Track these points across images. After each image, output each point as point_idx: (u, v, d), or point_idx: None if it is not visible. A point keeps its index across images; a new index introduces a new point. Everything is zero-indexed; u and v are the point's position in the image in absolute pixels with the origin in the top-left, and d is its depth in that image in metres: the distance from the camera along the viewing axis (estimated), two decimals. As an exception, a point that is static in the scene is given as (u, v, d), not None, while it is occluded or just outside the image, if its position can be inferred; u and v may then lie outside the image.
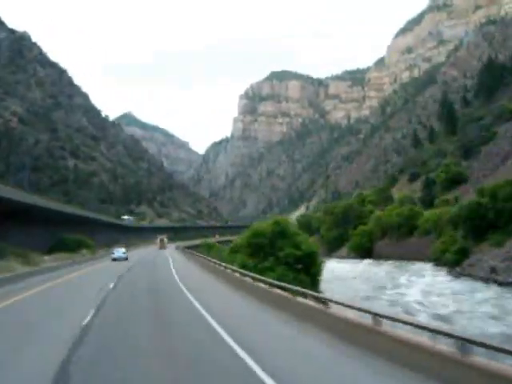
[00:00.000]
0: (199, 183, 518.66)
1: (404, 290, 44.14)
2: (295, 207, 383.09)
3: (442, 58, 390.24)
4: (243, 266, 27.71)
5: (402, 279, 52.24)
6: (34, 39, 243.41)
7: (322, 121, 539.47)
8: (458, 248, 58.78)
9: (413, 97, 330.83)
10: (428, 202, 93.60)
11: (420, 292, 42.16)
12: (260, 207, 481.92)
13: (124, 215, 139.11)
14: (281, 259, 28.10)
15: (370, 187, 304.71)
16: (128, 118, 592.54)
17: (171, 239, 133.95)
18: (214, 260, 40.17)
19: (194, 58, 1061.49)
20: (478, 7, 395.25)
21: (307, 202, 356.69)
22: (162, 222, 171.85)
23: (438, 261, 62.90)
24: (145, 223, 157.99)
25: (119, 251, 63.66)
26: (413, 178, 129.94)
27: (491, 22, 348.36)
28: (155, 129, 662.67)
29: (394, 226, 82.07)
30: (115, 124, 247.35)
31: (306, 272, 28.29)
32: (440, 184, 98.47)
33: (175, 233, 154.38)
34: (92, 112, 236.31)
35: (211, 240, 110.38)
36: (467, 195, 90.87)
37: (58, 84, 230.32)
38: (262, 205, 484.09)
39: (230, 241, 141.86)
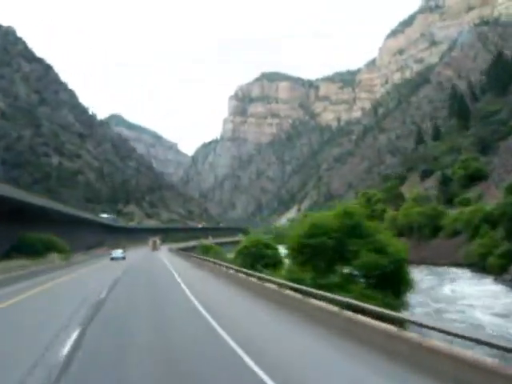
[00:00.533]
0: (188, 185, 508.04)
1: (462, 303, 35.27)
2: (285, 209, 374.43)
3: (435, 59, 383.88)
4: (294, 281, 17.87)
5: (446, 289, 43.22)
6: (19, 34, 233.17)
7: (313, 122, 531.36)
8: (504, 251, 49.79)
9: (406, 97, 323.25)
10: (446, 200, 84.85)
11: (485, 307, 33.28)
12: (249, 209, 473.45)
13: (104, 213, 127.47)
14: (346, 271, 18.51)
15: (365, 188, 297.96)
16: (116, 119, 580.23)
17: (162, 241, 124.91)
18: (231, 266, 30.50)
19: (184, 59, 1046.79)
20: (470, 8, 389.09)
21: (298, 203, 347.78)
22: (152, 223, 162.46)
23: (475, 266, 54.05)
24: (133, 224, 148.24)
25: (117, 252, 68.59)
26: (425, 175, 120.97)
27: (485, 22, 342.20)
28: (144, 130, 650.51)
29: (414, 227, 73.11)
30: (103, 122, 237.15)
31: (395, 291, 18.67)
32: (457, 181, 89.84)
33: (165, 234, 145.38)
34: (79, 109, 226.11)
35: (205, 242, 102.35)
36: (489, 192, 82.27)
37: (44, 79, 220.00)
38: (252, 207, 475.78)
39: (226, 243, 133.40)
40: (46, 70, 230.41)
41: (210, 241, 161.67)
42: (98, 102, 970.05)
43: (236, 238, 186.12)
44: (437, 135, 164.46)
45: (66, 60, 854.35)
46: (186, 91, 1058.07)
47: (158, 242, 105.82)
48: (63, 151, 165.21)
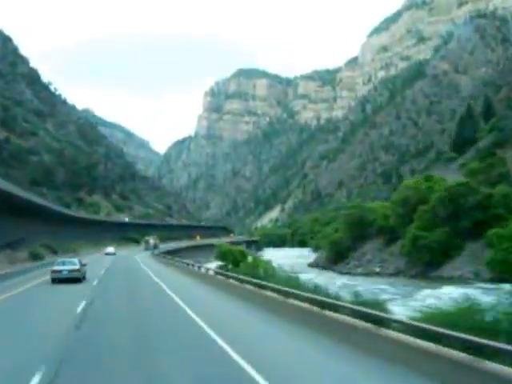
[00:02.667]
0: (159, 183, 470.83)
1: None
2: (264, 210, 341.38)
3: (424, 55, 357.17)
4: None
5: None
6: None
7: (291, 121, 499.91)
8: None
9: (400, 92, 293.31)
10: None
11: None
12: (224, 209, 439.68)
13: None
14: None
15: (357, 187, 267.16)
16: (86, 114, 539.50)
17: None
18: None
19: (158, 54, 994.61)
20: (463, 2, 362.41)
21: (282, 203, 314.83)
22: (122, 218, 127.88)
23: None
24: (99, 217, 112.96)
25: (110, 249, 77.15)
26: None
27: (482, 15, 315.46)
28: (115, 126, 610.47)
29: None
30: (67, 102, 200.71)
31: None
32: None
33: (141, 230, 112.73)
34: (39, 86, 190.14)
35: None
36: None
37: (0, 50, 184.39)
38: (227, 207, 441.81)
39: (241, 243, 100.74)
40: (3, 41, 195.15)
41: (197, 241, 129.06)
42: (70, 97, 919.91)
43: (231, 238, 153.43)
44: (488, 113, 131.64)
45: (41, 51, 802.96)
46: (159, 87, 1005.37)
47: (152, 242, 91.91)
48: (14, 127, 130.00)
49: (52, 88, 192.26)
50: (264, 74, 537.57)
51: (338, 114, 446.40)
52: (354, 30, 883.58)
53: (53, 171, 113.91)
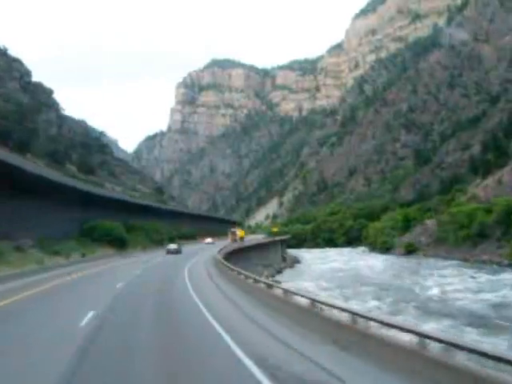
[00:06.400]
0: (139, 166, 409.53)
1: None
2: (259, 205, 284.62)
3: (421, 33, 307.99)
4: None
5: None
6: None
7: (270, 113, 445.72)
8: None
9: (415, 64, 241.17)
10: None
11: None
12: (203, 207, 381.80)
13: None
14: None
15: (377, 173, 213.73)
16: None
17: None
18: None
19: (126, 44, 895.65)
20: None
21: (279, 197, 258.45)
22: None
23: None
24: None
25: (171, 246, 62.93)
26: None
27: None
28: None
29: None
30: (7, 53, 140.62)
31: None
32: None
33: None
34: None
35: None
36: None
37: None
38: (205, 205, 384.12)
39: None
40: None
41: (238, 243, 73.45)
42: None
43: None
44: None
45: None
46: (128, 78, 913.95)
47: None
48: None
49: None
50: (239, 65, 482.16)
51: (323, 103, 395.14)
52: (334, 16, 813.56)
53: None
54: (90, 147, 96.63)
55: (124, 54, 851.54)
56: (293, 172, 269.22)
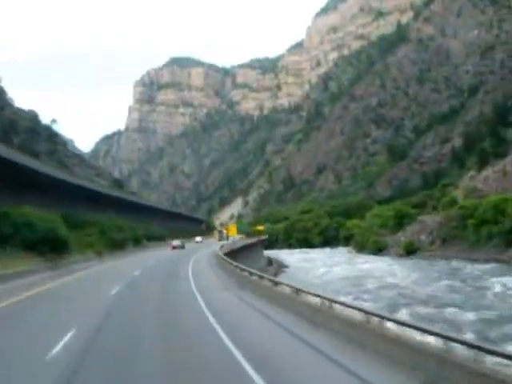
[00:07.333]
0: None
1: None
2: (223, 205, 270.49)
3: (385, 30, 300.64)
4: None
5: None
6: None
7: (231, 112, 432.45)
8: None
9: (383, 59, 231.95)
10: None
11: None
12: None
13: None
14: None
15: (348, 169, 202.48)
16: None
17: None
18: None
19: (84, 46, 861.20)
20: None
21: (243, 196, 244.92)
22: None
23: None
24: None
25: (177, 241, 70.42)
26: None
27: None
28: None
29: None
30: None
31: None
32: None
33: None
34: None
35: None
36: None
37: None
38: (165, 205, 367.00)
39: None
40: None
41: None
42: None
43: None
44: None
45: None
46: (85, 76, 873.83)
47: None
48: None
49: None
50: (199, 64, 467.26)
51: (284, 101, 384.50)
52: (295, 15, 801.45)
53: None
54: (37, 134, 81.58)
55: (83, 52, 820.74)
56: (257, 170, 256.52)
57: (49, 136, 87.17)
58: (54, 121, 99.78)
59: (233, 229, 66.74)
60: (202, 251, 57.82)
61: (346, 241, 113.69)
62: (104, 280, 27.81)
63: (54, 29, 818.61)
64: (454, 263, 53.19)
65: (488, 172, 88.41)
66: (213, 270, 31.15)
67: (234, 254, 48.01)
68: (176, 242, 69.25)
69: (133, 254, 58.88)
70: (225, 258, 33.28)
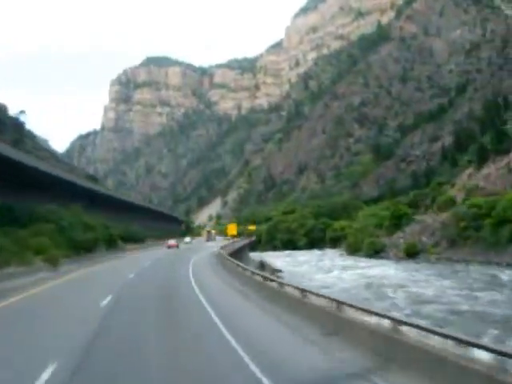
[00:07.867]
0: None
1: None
2: (201, 205, 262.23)
3: (365, 31, 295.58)
4: None
5: None
6: None
7: (208, 112, 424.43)
8: None
9: (364, 58, 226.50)
10: None
11: None
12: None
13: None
14: None
15: (331, 169, 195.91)
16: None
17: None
18: None
19: (61, 46, 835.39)
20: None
21: (222, 196, 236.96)
22: None
23: None
24: None
25: (173, 241, 75.37)
26: None
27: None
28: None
29: None
30: None
31: None
32: None
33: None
34: None
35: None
36: None
37: None
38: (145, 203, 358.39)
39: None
40: None
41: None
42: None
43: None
44: None
45: None
46: (60, 75, 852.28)
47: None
48: None
49: None
50: (176, 63, 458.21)
51: (263, 101, 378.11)
52: (274, 15, 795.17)
53: None
54: (3, 125, 73.30)
55: (60, 51, 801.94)
56: (236, 170, 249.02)
57: (15, 126, 78.79)
58: (22, 111, 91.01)
59: (233, 227, 59.67)
60: (201, 253, 50.97)
61: (334, 242, 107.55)
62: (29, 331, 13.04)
63: (30, 26, 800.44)
64: (475, 267, 46.52)
65: (490, 169, 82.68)
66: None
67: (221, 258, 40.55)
68: (172, 242, 73.80)
69: (105, 260, 46.44)
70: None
